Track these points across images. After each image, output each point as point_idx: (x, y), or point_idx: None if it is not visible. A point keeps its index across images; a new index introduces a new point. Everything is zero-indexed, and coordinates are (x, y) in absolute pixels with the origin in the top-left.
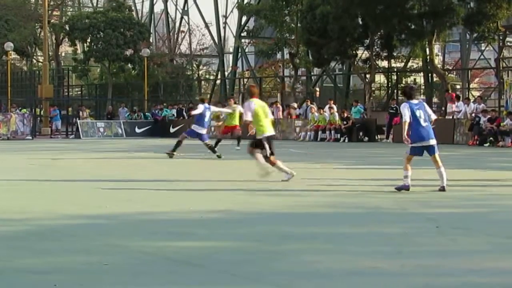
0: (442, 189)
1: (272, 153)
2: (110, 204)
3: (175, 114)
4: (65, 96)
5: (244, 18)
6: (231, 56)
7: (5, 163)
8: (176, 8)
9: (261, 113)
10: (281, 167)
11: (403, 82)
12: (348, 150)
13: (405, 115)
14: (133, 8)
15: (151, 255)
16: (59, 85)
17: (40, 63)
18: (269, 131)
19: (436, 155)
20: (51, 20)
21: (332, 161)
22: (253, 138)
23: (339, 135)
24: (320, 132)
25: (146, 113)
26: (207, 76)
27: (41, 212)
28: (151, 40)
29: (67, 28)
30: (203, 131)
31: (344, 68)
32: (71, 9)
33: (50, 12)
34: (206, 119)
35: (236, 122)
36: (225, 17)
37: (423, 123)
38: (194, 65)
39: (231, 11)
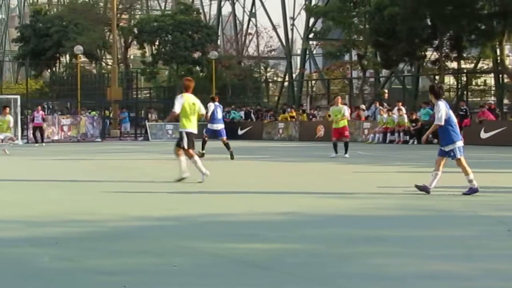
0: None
1: (190, 147)
2: (179, 206)
3: (243, 116)
4: (133, 98)
5: (311, 20)
6: (298, 58)
7: (75, 165)
8: (244, 11)
9: (187, 109)
10: (198, 165)
11: (473, 84)
12: (417, 152)
13: (442, 117)
14: (200, 10)
15: (219, 256)
16: (128, 87)
17: (109, 66)
18: (191, 127)
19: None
20: (120, 23)
21: (401, 164)
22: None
23: (407, 137)
24: (388, 134)
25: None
26: (274, 78)
27: (111, 214)
28: (218, 42)
29: (136, 31)
30: (219, 127)
31: (413, 70)
32: (139, 12)
33: (118, 15)
34: (219, 116)
35: (345, 123)
36: (293, 19)
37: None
38: (262, 67)
39: (299, 13)
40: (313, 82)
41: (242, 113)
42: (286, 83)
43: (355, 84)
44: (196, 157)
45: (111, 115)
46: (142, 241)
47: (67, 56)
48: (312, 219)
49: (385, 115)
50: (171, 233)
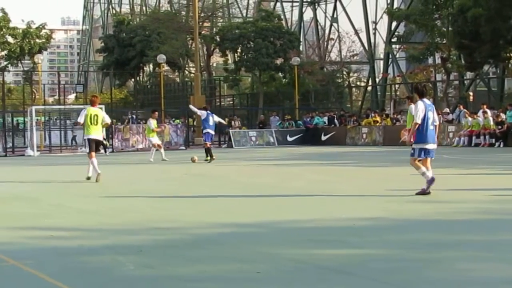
0: (427, 192)
1: (92, 151)
2: (261, 212)
3: (326, 122)
4: (217, 106)
5: (394, 24)
6: (381, 62)
7: (159, 174)
8: (325, 16)
9: (88, 119)
10: (94, 165)
11: None
12: (503, 155)
13: (419, 117)
14: (282, 17)
15: (302, 262)
16: (211, 95)
17: (192, 74)
18: (93, 134)
19: (430, 159)
20: (202, 31)
21: (486, 167)
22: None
23: (493, 140)
24: (474, 137)
25: (298, 121)
26: (357, 83)
27: (194, 221)
28: (300, 48)
29: (218, 39)
30: (211, 131)
31: (498, 71)
32: (221, 20)
33: (201, 23)
34: (211, 123)
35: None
36: (375, 23)
37: (430, 126)
38: (344, 72)
39: (381, 17)
40: (397, 86)
41: (325, 119)
42: (369, 88)
43: (439, 88)
44: (95, 160)
45: (194, 123)
46: (224, 248)
47: (151, 65)
48: (396, 224)
49: (470, 118)
50: (254, 239)
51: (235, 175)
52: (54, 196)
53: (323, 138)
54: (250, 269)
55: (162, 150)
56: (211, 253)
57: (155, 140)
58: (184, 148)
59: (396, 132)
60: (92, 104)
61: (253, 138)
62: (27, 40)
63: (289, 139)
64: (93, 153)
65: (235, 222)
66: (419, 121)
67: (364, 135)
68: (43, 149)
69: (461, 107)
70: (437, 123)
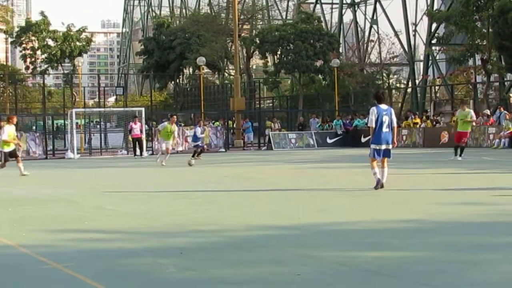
0: (382, 185)
1: (6, 161)
2: (302, 214)
3: (367, 124)
4: (256, 108)
5: (434, 25)
6: (421, 64)
7: (199, 176)
8: (365, 18)
9: (8, 135)
10: (20, 167)
11: None
12: None
13: (372, 121)
14: (322, 19)
15: (343, 265)
16: (251, 97)
17: (231, 76)
18: (8, 148)
19: (387, 159)
20: (242, 34)
21: None
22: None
23: None
24: None
25: (337, 123)
26: (397, 85)
27: (235, 224)
28: (340, 50)
29: (258, 41)
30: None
31: None
32: (261, 23)
33: (240, 26)
34: (198, 134)
35: (469, 127)
36: (415, 24)
37: (384, 129)
38: (384, 74)
39: (421, 18)
40: (437, 88)
41: (365, 120)
42: (409, 90)
43: (479, 89)
44: (21, 165)
45: (234, 125)
46: (266, 250)
47: (190, 68)
48: (437, 226)
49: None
50: (294, 242)
51: (275, 177)
52: (94, 198)
53: (363, 140)
54: (290, 271)
55: (167, 156)
56: (252, 255)
57: (167, 144)
58: (224, 150)
59: (436, 134)
60: (9, 121)
61: (293, 140)
62: (67, 43)
63: (329, 141)
64: (6, 163)
65: (275, 224)
66: (372, 125)
67: (404, 137)
68: (83, 151)
69: (502, 108)
70: (394, 125)
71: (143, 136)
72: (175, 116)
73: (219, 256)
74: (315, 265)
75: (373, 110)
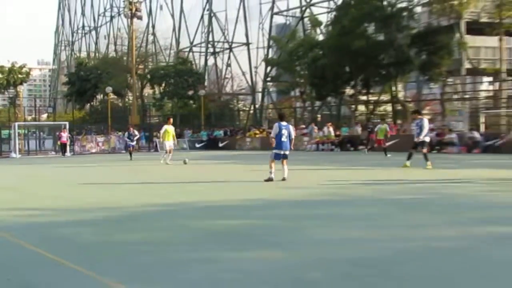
0: (283, 179)
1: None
2: (179, 195)
3: (222, 134)
4: (147, 122)
5: (269, 68)
6: (260, 94)
7: (110, 170)
8: (222, 62)
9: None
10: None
11: (377, 110)
12: (340, 157)
13: (273, 132)
14: (193, 62)
15: (206, 230)
16: (144, 116)
17: (130, 101)
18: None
19: (286, 160)
20: (138, 71)
21: (328, 165)
22: None
23: (333, 147)
24: (320, 145)
25: (203, 133)
26: (244, 108)
27: (132, 203)
28: (205, 84)
29: (149, 77)
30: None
31: (336, 101)
32: (151, 64)
33: (137, 66)
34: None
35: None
36: (256, 67)
37: (283, 139)
38: (235, 101)
39: (260, 63)
40: (270, 110)
41: (221, 132)
42: (251, 111)
43: (298, 112)
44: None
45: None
46: (151, 221)
47: (102, 94)
48: (275, 204)
49: (318, 132)
50: (170, 215)
51: (166, 171)
52: (31, 186)
53: (220, 144)
54: (171, 235)
55: (170, 155)
56: (144, 225)
57: (169, 144)
58: (124, 151)
59: (267, 141)
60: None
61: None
62: (11, 75)
63: (197, 145)
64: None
65: (158, 202)
66: (273, 135)
67: (248, 143)
68: (23, 152)
69: (313, 124)
70: (292, 137)
71: (68, 142)
72: (171, 118)
73: (121, 226)
74: (188, 232)
75: (276, 125)
